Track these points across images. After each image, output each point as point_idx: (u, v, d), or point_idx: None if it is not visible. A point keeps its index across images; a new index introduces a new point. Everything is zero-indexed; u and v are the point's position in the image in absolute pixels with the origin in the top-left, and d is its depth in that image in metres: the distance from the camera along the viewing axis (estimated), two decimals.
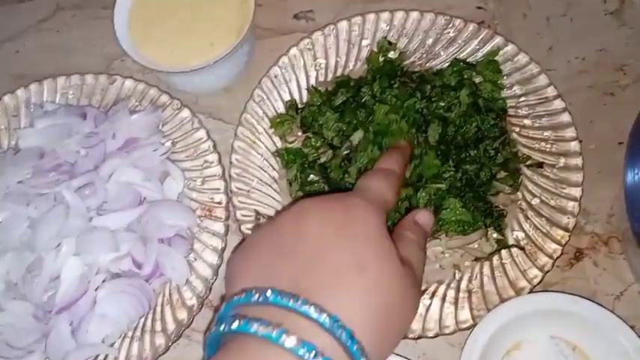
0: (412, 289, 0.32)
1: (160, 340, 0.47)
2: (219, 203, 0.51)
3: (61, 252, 0.47)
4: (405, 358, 0.45)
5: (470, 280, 0.48)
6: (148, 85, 0.55)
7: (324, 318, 0.27)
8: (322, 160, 0.52)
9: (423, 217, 0.39)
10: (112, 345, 0.47)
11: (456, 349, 0.46)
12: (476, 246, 0.49)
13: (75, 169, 0.51)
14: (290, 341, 0.26)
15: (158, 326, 0.48)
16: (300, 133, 0.54)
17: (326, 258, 0.30)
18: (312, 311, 0.27)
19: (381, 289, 0.30)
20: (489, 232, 0.49)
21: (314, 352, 0.26)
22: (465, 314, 0.46)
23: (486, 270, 0.48)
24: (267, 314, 0.28)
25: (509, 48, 0.53)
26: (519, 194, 0.50)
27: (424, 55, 0.55)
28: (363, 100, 0.51)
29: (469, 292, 0.47)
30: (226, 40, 0.51)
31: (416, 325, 0.46)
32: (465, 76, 0.52)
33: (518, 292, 0.46)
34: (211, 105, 0.56)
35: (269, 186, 0.52)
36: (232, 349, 0.28)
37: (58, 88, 0.55)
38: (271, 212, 0.51)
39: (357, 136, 0.50)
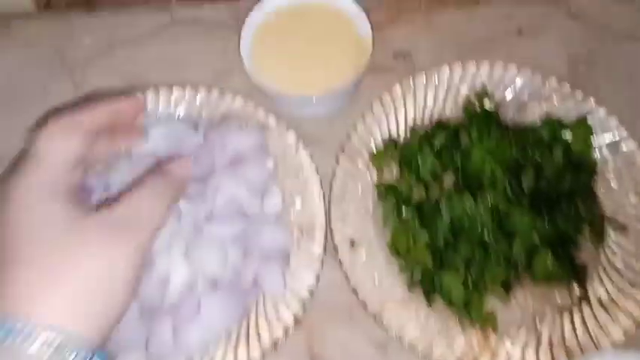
0: (86, 233, 0.34)
1: (252, 350, 0.50)
2: (318, 226, 0.54)
3: (171, 255, 0.50)
4: None
5: (551, 330, 0.50)
6: (256, 105, 0.58)
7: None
8: (416, 198, 0.55)
9: (177, 166, 0.44)
10: (207, 350, 0.50)
11: None
12: (558, 298, 0.52)
13: None
14: None
15: (252, 336, 0.50)
16: (395, 170, 0.57)
17: None
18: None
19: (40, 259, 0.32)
20: (572, 286, 0.52)
21: None
22: None
23: (567, 323, 0.50)
24: None
25: (601, 111, 0.56)
26: (602, 253, 0.53)
27: (517, 109, 0.58)
28: (460, 145, 0.54)
29: (550, 343, 0.50)
30: (343, 74, 0.55)
31: None
32: (557, 135, 0.56)
33: (599, 348, 0.49)
34: (313, 131, 0.59)
35: (364, 214, 0.55)
36: None
37: (172, 98, 0.58)
38: (366, 240, 0.54)
39: (448, 179, 0.54)
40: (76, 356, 0.31)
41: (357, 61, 0.55)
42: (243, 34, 0.55)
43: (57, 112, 0.42)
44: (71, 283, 0.32)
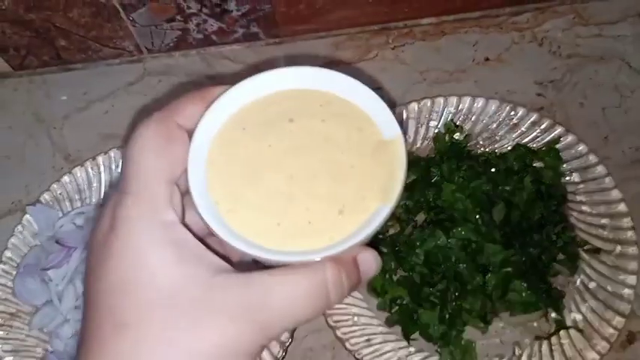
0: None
1: None
2: None
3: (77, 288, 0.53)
4: None
5: (529, 358, 0.51)
6: None
7: None
8: (390, 232, 0.56)
9: (367, 259, 0.29)
10: None
11: None
12: (535, 324, 0.52)
13: None
14: None
15: None
16: None
17: (88, 317, 0.26)
18: None
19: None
20: (549, 312, 0.52)
21: None
22: None
23: (545, 349, 0.51)
24: None
25: (569, 137, 0.57)
26: (577, 277, 0.53)
27: (488, 138, 0.59)
28: (432, 180, 0.55)
29: None
30: (361, 204, 0.29)
31: None
32: (527, 162, 0.56)
33: None
34: None
35: None
36: None
37: None
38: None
39: (420, 218, 0.54)
40: None
41: (386, 181, 0.29)
42: (191, 154, 0.28)
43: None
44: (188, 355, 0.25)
